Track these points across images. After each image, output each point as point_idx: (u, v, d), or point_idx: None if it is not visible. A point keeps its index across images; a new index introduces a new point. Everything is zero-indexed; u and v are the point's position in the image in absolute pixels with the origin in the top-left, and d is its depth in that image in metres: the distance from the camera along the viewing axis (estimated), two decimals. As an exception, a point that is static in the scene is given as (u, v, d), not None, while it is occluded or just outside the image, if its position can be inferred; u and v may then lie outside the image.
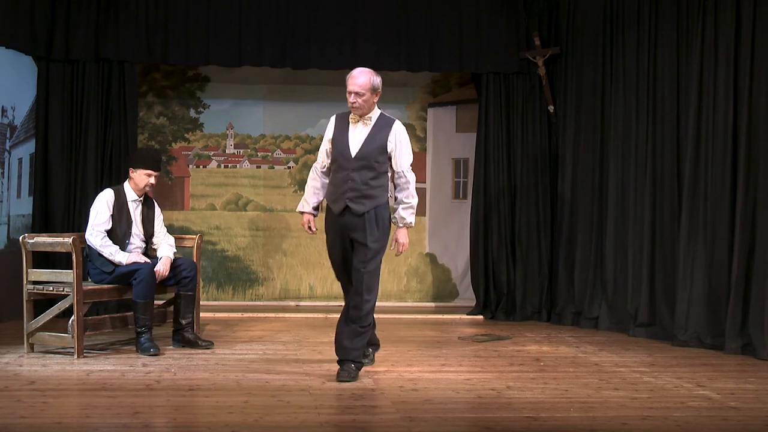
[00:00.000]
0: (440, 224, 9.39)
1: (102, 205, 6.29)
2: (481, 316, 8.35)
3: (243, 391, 4.97)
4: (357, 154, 5.43)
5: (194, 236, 6.87)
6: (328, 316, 8.28)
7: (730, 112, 6.57)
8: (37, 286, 6.12)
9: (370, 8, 8.34)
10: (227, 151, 9.24)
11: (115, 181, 7.69)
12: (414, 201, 5.53)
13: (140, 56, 8.13)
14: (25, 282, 6.14)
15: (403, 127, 5.55)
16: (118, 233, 6.28)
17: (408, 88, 9.35)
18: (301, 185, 9.14)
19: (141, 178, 6.37)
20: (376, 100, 5.46)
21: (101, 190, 6.54)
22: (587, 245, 7.95)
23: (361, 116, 5.45)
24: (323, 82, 9.10)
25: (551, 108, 8.34)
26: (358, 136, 5.46)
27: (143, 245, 6.45)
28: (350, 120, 5.50)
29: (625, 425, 4.35)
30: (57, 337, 6.05)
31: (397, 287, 9.32)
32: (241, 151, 9.25)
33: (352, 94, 5.38)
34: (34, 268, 6.19)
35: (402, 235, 5.54)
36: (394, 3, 8.37)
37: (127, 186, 6.44)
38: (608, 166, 7.75)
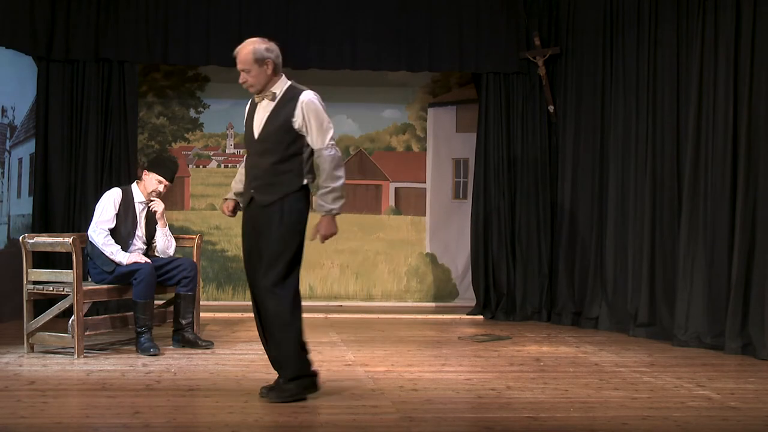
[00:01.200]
0: (440, 224, 9.39)
1: (108, 203, 6.28)
2: (481, 316, 8.35)
3: (243, 391, 4.97)
4: (259, 135, 4.76)
5: (194, 236, 6.87)
6: (328, 316, 8.29)
7: (730, 112, 6.56)
8: (37, 286, 6.12)
9: (370, 8, 8.35)
10: (227, 151, 9.24)
11: (115, 181, 7.69)
12: (335, 183, 4.66)
13: (140, 56, 8.13)
14: (25, 282, 6.13)
15: (313, 98, 4.72)
16: (122, 233, 6.27)
17: (408, 88, 9.36)
18: (301, 185, 9.14)
19: (152, 182, 6.34)
20: (270, 71, 4.72)
21: (101, 190, 6.53)
22: (587, 245, 7.95)
23: (262, 93, 4.78)
24: (323, 82, 9.09)
25: (551, 108, 8.34)
26: (261, 115, 4.78)
27: (144, 247, 6.44)
28: (256, 99, 4.84)
29: (625, 425, 4.34)
30: (57, 337, 6.05)
31: (397, 287, 9.32)
32: (241, 151, 9.24)
33: (241, 73, 4.74)
34: (34, 268, 6.18)
35: (323, 225, 4.69)
36: (394, 3, 8.37)
37: (135, 187, 6.42)
38: (608, 166, 7.75)
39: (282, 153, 4.69)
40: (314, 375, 4.82)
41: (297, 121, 4.68)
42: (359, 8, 8.34)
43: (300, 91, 4.75)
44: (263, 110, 4.78)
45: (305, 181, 4.73)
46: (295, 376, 4.72)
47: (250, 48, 4.71)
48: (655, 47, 7.31)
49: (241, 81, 4.78)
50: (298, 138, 4.70)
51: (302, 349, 4.78)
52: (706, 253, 6.69)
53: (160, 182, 6.35)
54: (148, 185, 6.36)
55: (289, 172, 4.69)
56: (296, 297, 4.76)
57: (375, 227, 9.40)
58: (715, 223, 6.65)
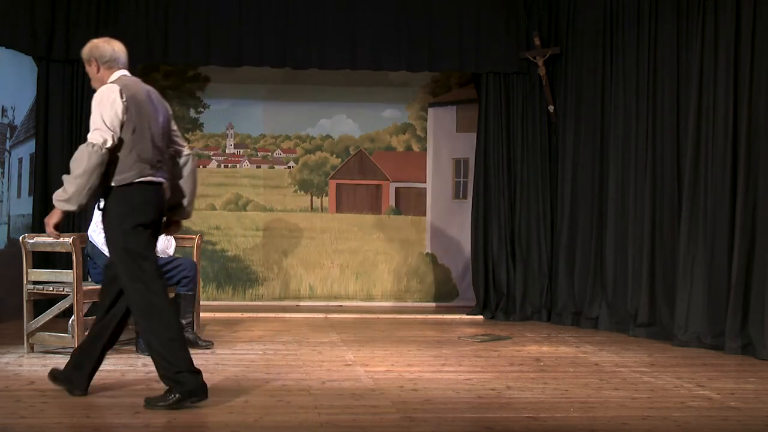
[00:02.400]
0: (440, 224, 9.40)
1: None
2: (481, 316, 8.35)
3: (243, 391, 4.97)
4: None
5: (194, 236, 6.87)
6: (328, 316, 8.29)
7: (730, 112, 6.57)
8: (37, 286, 6.11)
9: (370, 8, 8.35)
10: (227, 151, 9.24)
11: (115, 181, 7.69)
12: (66, 176, 4.36)
13: (140, 56, 8.11)
14: (25, 282, 6.13)
15: (99, 93, 4.46)
16: (121, 233, 6.27)
17: (408, 88, 9.37)
18: (302, 185, 9.15)
19: None
20: (98, 72, 4.60)
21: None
22: (587, 245, 7.95)
23: None
24: (323, 82, 9.11)
25: (551, 108, 8.34)
26: None
27: (143, 245, 6.44)
28: None
29: (625, 425, 4.35)
30: (57, 337, 6.05)
31: (397, 287, 9.32)
32: (241, 151, 9.25)
33: None
34: (34, 268, 6.18)
35: (50, 214, 4.49)
36: (394, 3, 8.37)
37: None
38: (608, 166, 7.75)
39: None
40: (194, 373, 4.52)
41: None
42: (359, 8, 8.34)
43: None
44: None
45: (113, 183, 4.44)
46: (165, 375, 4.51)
47: (84, 51, 4.64)
48: (655, 47, 7.31)
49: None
50: None
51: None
52: (706, 252, 6.69)
53: None
54: None
55: (101, 174, 4.39)
56: (145, 296, 4.50)
57: (375, 227, 9.40)
58: (715, 222, 6.65)
